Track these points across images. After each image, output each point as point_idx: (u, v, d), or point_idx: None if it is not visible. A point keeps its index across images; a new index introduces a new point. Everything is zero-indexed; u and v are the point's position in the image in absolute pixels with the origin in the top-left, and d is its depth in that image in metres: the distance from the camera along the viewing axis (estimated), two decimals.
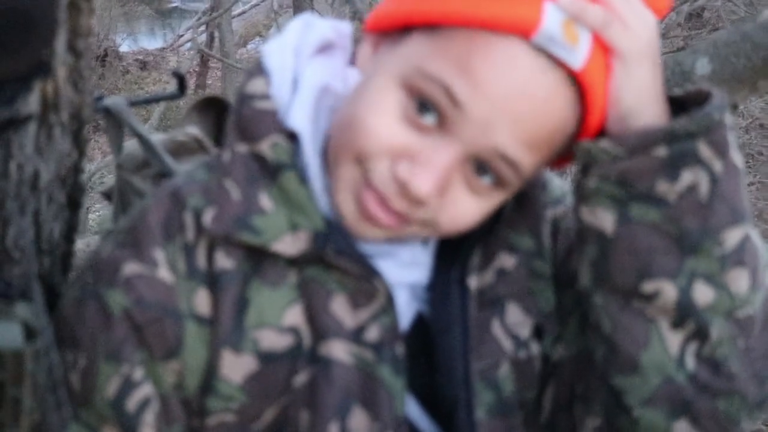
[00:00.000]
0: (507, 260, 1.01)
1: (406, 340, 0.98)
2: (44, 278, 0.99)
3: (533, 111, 0.86)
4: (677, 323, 0.90)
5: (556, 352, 1.03)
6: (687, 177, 0.87)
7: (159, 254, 0.92)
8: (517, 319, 1.01)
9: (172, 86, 1.29)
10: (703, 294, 0.88)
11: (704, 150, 0.86)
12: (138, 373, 0.91)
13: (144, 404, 0.91)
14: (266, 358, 0.93)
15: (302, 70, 0.98)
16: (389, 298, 0.94)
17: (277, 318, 0.93)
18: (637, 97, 0.88)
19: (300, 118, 0.94)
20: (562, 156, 0.95)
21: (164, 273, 0.91)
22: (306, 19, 1.02)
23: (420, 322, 1.00)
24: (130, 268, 0.91)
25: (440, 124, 0.87)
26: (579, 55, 0.85)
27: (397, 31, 0.92)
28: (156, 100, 1.31)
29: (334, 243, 0.92)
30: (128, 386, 0.91)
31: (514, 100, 0.85)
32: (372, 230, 0.91)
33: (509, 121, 0.86)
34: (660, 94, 0.89)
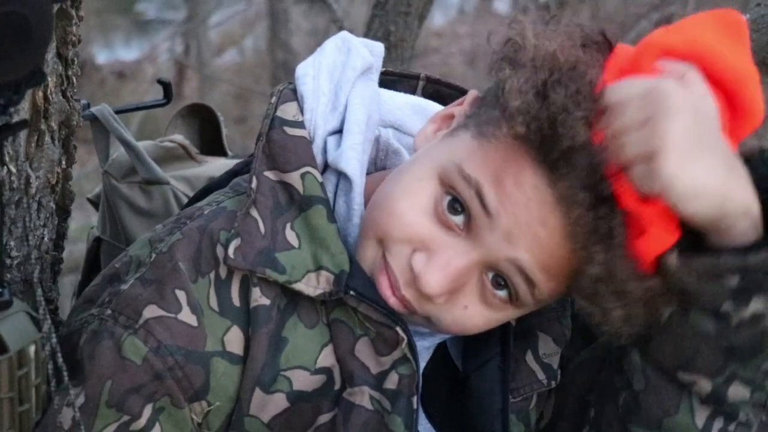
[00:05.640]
0: None
1: (429, 369, 0.98)
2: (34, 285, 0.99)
3: (551, 239, 0.84)
4: (708, 402, 0.91)
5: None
6: (755, 305, 0.84)
7: (182, 295, 0.89)
8: (548, 349, 1.02)
9: (151, 96, 1.29)
10: (738, 392, 0.90)
11: None
12: (141, 422, 0.87)
13: None
14: (297, 398, 0.91)
15: (344, 98, 0.95)
16: (411, 347, 0.92)
17: (312, 358, 0.91)
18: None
19: (352, 161, 0.92)
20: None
21: (187, 315, 0.88)
22: (343, 38, 0.99)
23: (441, 351, 1.00)
24: (151, 310, 0.88)
25: (467, 227, 0.86)
26: None
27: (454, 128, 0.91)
28: (142, 108, 1.32)
29: (357, 286, 0.89)
30: None
31: (535, 225, 0.84)
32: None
33: (530, 241, 0.84)
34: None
